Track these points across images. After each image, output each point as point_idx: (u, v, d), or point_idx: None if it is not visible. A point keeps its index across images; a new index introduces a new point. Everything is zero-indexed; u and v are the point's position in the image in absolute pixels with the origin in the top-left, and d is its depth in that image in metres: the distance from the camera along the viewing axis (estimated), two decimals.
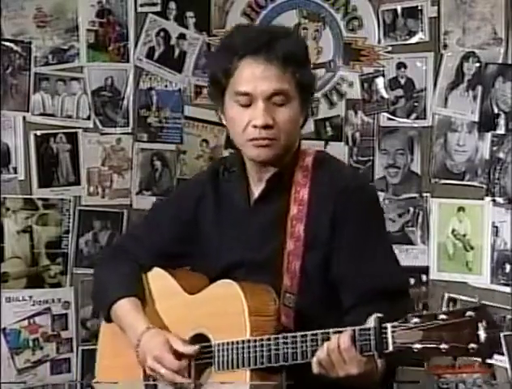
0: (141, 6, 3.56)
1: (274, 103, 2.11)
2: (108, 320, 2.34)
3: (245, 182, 2.25)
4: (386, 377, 2.02)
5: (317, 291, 2.13)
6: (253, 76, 2.11)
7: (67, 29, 3.50)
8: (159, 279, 2.34)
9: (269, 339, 2.04)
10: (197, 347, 2.15)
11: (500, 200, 3.20)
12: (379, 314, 1.89)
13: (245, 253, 2.20)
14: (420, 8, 3.32)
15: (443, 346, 1.80)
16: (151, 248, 2.36)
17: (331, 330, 1.96)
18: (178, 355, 2.16)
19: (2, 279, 3.38)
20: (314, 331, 1.99)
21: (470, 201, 3.25)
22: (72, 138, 3.51)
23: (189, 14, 3.57)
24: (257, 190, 2.24)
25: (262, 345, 2.04)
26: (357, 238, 2.12)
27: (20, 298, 3.42)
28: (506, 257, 3.18)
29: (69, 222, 3.49)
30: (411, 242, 3.34)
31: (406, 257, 3.33)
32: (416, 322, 1.83)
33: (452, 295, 3.22)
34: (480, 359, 1.81)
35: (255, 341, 2.05)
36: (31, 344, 3.43)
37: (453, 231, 3.27)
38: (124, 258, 2.37)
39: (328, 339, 1.95)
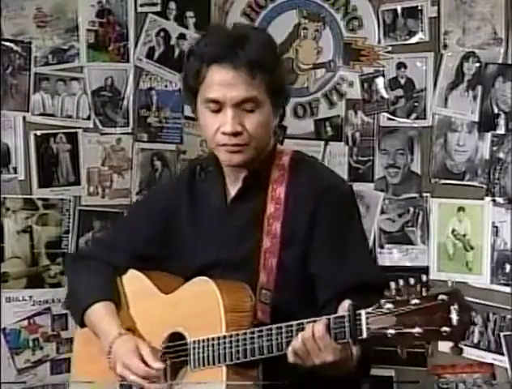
0: (141, 6, 3.56)
1: (243, 109, 2.12)
2: (82, 326, 2.34)
3: (222, 182, 2.26)
4: (362, 363, 2.03)
5: (294, 287, 2.15)
6: (222, 83, 2.11)
7: (67, 29, 3.49)
8: (134, 281, 2.34)
9: (244, 334, 2.05)
10: (162, 365, 2.14)
11: (500, 200, 3.20)
12: (353, 302, 1.90)
13: (221, 252, 2.21)
14: (420, 8, 3.32)
15: (416, 330, 1.82)
16: (126, 251, 2.36)
17: (305, 320, 1.97)
18: (146, 361, 2.16)
19: (2, 279, 3.38)
20: (289, 323, 2.00)
21: (470, 201, 3.25)
22: (72, 138, 3.51)
23: (189, 14, 3.57)
24: (233, 190, 2.25)
25: (237, 340, 2.05)
26: (335, 236, 2.15)
27: (20, 298, 3.42)
28: (506, 257, 3.18)
29: (69, 222, 3.49)
30: (411, 242, 3.34)
31: (406, 257, 3.33)
32: (389, 308, 1.85)
33: None
34: (452, 342, 1.82)
35: (230, 336, 2.06)
36: (31, 344, 3.43)
37: (453, 231, 3.27)
38: (96, 263, 2.37)
39: (303, 330, 1.96)
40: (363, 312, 1.88)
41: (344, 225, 2.16)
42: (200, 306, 2.14)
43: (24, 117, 3.45)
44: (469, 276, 3.22)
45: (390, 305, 1.84)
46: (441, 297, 1.81)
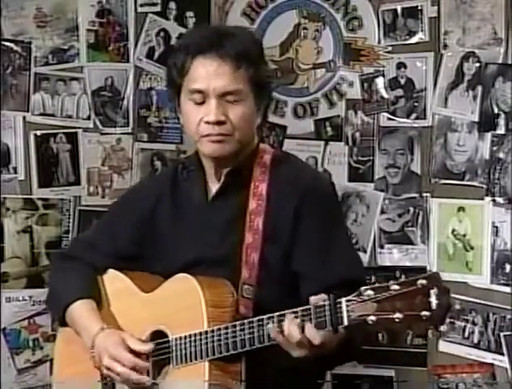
0: (141, 6, 3.56)
1: (227, 101, 2.15)
2: (63, 324, 2.34)
3: (203, 180, 2.28)
4: (349, 347, 2.04)
5: (276, 282, 2.16)
6: (207, 74, 2.14)
7: (67, 29, 3.49)
8: (114, 281, 2.35)
9: (226, 328, 2.06)
10: (152, 345, 2.16)
11: (500, 200, 3.20)
12: (334, 292, 1.91)
13: (204, 249, 2.22)
14: (420, 8, 3.32)
15: (397, 315, 1.82)
16: (106, 251, 2.37)
17: (287, 311, 1.98)
18: (134, 353, 2.17)
19: (2, 279, 3.38)
20: (270, 315, 2.01)
21: (470, 201, 3.25)
22: (72, 138, 3.51)
23: (189, 14, 3.57)
24: (214, 187, 2.27)
25: (219, 334, 2.06)
26: (318, 232, 2.16)
27: (20, 298, 3.42)
28: (506, 257, 3.18)
29: (69, 222, 3.49)
30: (411, 242, 3.34)
31: (406, 257, 3.33)
32: (369, 295, 1.86)
33: (452, 295, 3.21)
34: (432, 326, 1.83)
35: (212, 332, 2.07)
36: (31, 344, 3.43)
37: (453, 231, 3.27)
38: (77, 263, 2.37)
39: (284, 321, 1.97)
40: (343, 300, 1.89)
41: (327, 222, 2.18)
42: (181, 303, 2.14)
43: (24, 117, 3.45)
44: (469, 276, 3.22)
45: (370, 292, 1.86)
46: (420, 281, 1.82)
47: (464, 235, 3.26)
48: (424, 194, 3.32)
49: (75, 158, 3.51)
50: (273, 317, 2.00)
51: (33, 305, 3.43)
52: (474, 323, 3.20)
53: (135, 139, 3.58)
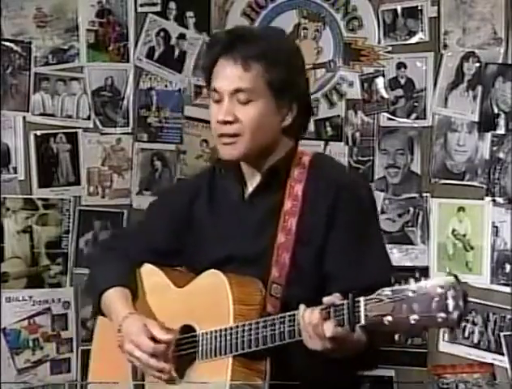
0: (141, 6, 3.56)
1: (238, 100, 2.16)
2: (100, 312, 2.37)
3: (240, 178, 2.28)
4: (369, 353, 2.05)
5: (305, 283, 2.15)
6: (222, 74, 2.19)
7: (67, 29, 3.50)
8: (150, 275, 2.37)
9: (250, 324, 2.06)
10: (172, 335, 2.18)
11: (500, 200, 3.20)
12: (353, 291, 1.92)
13: (237, 247, 2.22)
14: (420, 8, 3.32)
15: (413, 317, 1.82)
16: (144, 245, 2.39)
17: (309, 309, 1.98)
18: (155, 340, 2.18)
19: (2, 279, 3.38)
20: (291, 312, 2.02)
21: (470, 201, 3.25)
22: (72, 138, 3.51)
23: (189, 14, 3.57)
24: (251, 186, 2.27)
25: (242, 331, 2.07)
26: (352, 236, 2.16)
27: (20, 298, 3.42)
28: (506, 257, 3.18)
29: (69, 222, 3.49)
30: (411, 242, 3.34)
31: (406, 257, 3.33)
32: (387, 295, 1.86)
33: None
34: (448, 328, 1.83)
35: (237, 327, 2.08)
36: (31, 344, 3.43)
37: (453, 231, 3.27)
38: (116, 254, 2.40)
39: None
40: (362, 299, 1.89)
41: (361, 225, 2.17)
42: (210, 299, 2.16)
43: (24, 117, 3.45)
44: (469, 276, 3.22)
45: (388, 293, 1.86)
46: (438, 283, 1.82)
47: (464, 235, 3.26)
48: (424, 194, 3.33)
49: (75, 158, 3.51)
50: (294, 314, 2.01)
51: (33, 305, 3.43)
52: (474, 323, 3.20)
53: (135, 139, 3.59)
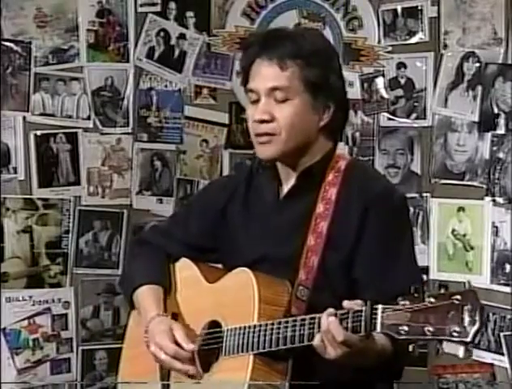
0: (141, 6, 3.56)
1: (275, 99, 2.17)
2: (133, 306, 2.40)
3: (277, 179, 2.28)
4: (394, 363, 2.07)
5: (333, 288, 2.15)
6: (259, 74, 2.19)
7: (67, 29, 3.50)
8: (184, 269, 2.39)
9: (272, 324, 2.06)
10: (194, 346, 2.18)
11: (500, 200, 3.20)
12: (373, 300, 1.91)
13: (269, 248, 2.23)
14: (420, 8, 3.32)
15: (428, 328, 1.81)
16: (180, 240, 2.41)
17: (325, 313, 1.97)
18: (178, 342, 2.20)
19: (2, 279, 3.38)
20: (313, 315, 2.01)
21: (470, 201, 3.25)
22: (72, 138, 3.52)
23: (189, 14, 3.57)
24: (286, 187, 2.27)
25: (265, 330, 2.07)
26: (383, 243, 2.15)
27: (20, 298, 3.42)
28: (506, 257, 3.18)
29: (69, 222, 3.50)
30: None
31: None
32: (404, 305, 1.85)
33: None
34: (462, 343, 1.82)
35: (260, 326, 2.08)
36: (31, 344, 3.43)
37: (453, 231, 3.27)
38: (151, 249, 2.42)
39: None
40: (380, 307, 1.89)
41: (392, 233, 2.16)
42: (237, 296, 2.17)
43: (24, 117, 3.45)
44: (469, 276, 3.22)
45: (405, 302, 1.85)
46: (455, 296, 1.81)
47: (464, 235, 3.26)
48: (424, 194, 3.33)
49: (75, 158, 3.52)
50: (315, 317, 2.00)
51: (33, 305, 3.43)
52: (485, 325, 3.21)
53: (135, 139, 3.59)
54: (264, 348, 2.07)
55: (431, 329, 1.81)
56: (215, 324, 2.21)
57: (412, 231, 2.28)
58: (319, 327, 1.98)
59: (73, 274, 3.50)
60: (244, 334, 2.11)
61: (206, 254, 2.40)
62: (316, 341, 1.97)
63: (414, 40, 3.34)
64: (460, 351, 1.84)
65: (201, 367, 2.19)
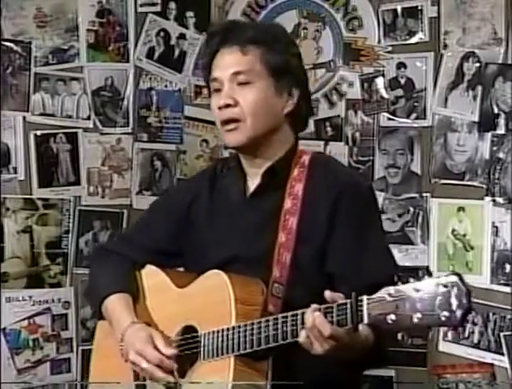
0: (141, 6, 3.56)
1: (238, 83, 2.19)
2: (101, 317, 2.37)
3: (242, 178, 2.28)
4: (377, 351, 2.05)
5: (307, 283, 2.15)
6: (221, 63, 2.22)
7: (67, 29, 3.50)
8: (151, 276, 2.36)
9: (252, 324, 2.06)
10: (175, 350, 2.17)
11: (500, 200, 3.20)
12: (357, 291, 1.91)
13: (238, 248, 2.22)
14: (420, 8, 3.32)
15: (416, 316, 1.82)
16: (144, 246, 2.39)
17: (309, 309, 1.97)
18: (159, 349, 2.18)
19: (2, 279, 3.38)
20: (294, 312, 2.01)
21: (470, 201, 3.25)
22: (72, 138, 3.51)
23: (189, 14, 3.57)
24: (252, 185, 2.27)
25: (245, 330, 2.06)
26: (354, 235, 2.16)
27: (20, 298, 3.42)
28: (506, 257, 3.18)
29: (69, 222, 3.49)
30: (411, 242, 3.34)
31: (406, 257, 3.33)
32: (390, 294, 1.85)
33: None
34: (451, 327, 1.82)
35: (239, 327, 2.07)
36: (31, 344, 3.43)
37: (453, 231, 3.27)
38: (116, 258, 2.40)
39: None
40: (365, 298, 1.89)
41: (362, 224, 2.17)
42: (211, 299, 2.15)
43: (24, 117, 3.45)
44: (469, 276, 3.21)
45: (391, 291, 1.86)
46: (441, 282, 1.82)
47: (464, 235, 3.26)
48: (424, 194, 3.32)
49: (75, 158, 3.51)
50: (297, 314, 2.00)
51: (33, 305, 3.43)
52: (474, 323, 3.20)
53: (135, 139, 3.59)
54: (246, 349, 2.06)
55: (419, 316, 1.82)
56: (189, 329, 2.19)
57: (381, 220, 2.27)
58: (302, 323, 1.97)
59: (73, 274, 3.50)
60: (223, 336, 2.09)
61: (171, 259, 2.37)
62: (302, 338, 1.96)
63: (414, 40, 3.34)
64: (449, 334, 1.85)
65: (178, 373, 2.17)
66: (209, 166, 2.50)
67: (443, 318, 1.80)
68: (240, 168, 2.28)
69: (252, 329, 2.06)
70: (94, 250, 2.72)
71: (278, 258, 2.16)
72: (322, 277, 2.15)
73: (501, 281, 3.19)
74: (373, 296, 1.88)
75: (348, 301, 1.91)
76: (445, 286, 1.81)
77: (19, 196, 3.44)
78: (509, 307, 3.15)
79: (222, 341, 2.10)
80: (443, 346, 3.26)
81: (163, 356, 2.16)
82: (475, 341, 3.21)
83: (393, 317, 1.84)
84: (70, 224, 3.50)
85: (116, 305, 2.31)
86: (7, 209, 3.41)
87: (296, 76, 2.24)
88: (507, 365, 3.16)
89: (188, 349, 2.18)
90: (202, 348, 2.14)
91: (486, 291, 3.20)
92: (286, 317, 2.02)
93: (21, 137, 3.44)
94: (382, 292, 1.87)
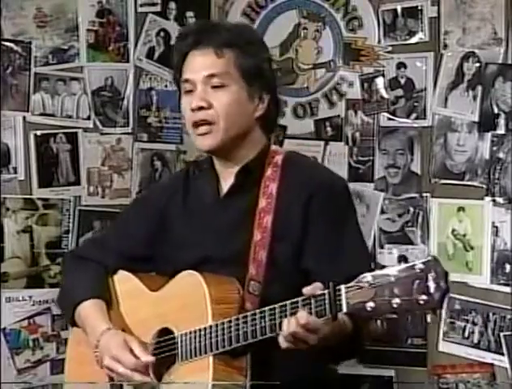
0: (141, 6, 3.56)
1: (212, 86, 2.20)
2: (73, 324, 2.36)
3: (215, 179, 2.30)
4: (355, 339, 2.08)
5: (284, 280, 2.16)
6: (194, 64, 2.23)
7: (67, 29, 3.50)
8: (124, 282, 2.37)
9: (230, 321, 2.07)
10: (152, 358, 2.16)
11: (500, 200, 3.20)
12: (334, 280, 1.92)
13: (214, 248, 2.23)
14: (420, 8, 3.32)
15: (395, 301, 1.83)
16: (117, 252, 2.39)
17: (288, 302, 1.99)
18: (136, 354, 2.18)
19: (2, 279, 3.38)
20: (272, 306, 2.02)
21: (470, 201, 3.25)
22: (72, 138, 3.51)
23: (189, 14, 3.57)
24: (226, 186, 2.28)
25: (223, 328, 2.07)
26: (329, 231, 2.18)
27: (20, 298, 3.42)
28: (506, 257, 3.18)
29: (69, 222, 3.49)
30: (411, 242, 3.34)
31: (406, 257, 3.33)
32: (368, 281, 1.87)
33: (452, 295, 3.22)
34: (430, 310, 1.83)
35: (216, 326, 2.08)
36: (31, 344, 3.43)
37: (453, 231, 3.27)
38: (88, 264, 2.39)
39: (286, 311, 1.98)
40: (342, 287, 1.90)
41: (337, 219, 2.20)
42: (187, 300, 2.16)
43: (24, 117, 3.45)
44: (469, 276, 3.22)
45: (369, 279, 1.87)
46: (418, 266, 1.83)
47: (464, 235, 3.26)
48: (424, 194, 3.32)
49: (75, 158, 3.51)
50: (275, 308, 2.01)
51: (33, 305, 3.42)
52: (474, 323, 3.20)
53: (135, 139, 3.58)
54: (224, 347, 2.06)
55: (398, 301, 1.83)
56: (165, 332, 2.19)
57: (357, 215, 2.29)
58: (280, 317, 1.98)
59: None
60: (200, 336, 2.10)
61: (144, 263, 2.37)
62: (284, 332, 1.96)
63: (414, 40, 3.34)
64: (428, 317, 1.87)
65: (155, 377, 2.17)
66: (181, 169, 2.51)
67: (421, 302, 1.81)
68: (213, 170, 2.30)
69: (230, 326, 2.06)
70: (65, 256, 2.73)
71: (254, 257, 2.17)
72: (298, 274, 2.17)
73: (501, 281, 3.18)
74: (351, 284, 1.89)
75: (326, 291, 1.92)
76: (422, 270, 1.82)
77: (19, 196, 3.43)
78: (509, 307, 3.15)
79: (200, 341, 2.10)
80: (443, 346, 3.26)
81: (138, 360, 2.16)
82: (475, 341, 3.21)
83: (372, 304, 1.85)
84: (70, 224, 3.49)
85: (90, 311, 2.30)
86: (7, 209, 3.41)
87: (268, 81, 2.27)
88: (507, 365, 3.16)
89: (164, 352, 2.18)
90: (179, 350, 2.15)
91: (486, 291, 3.20)
92: (264, 312, 2.03)
93: (21, 137, 3.44)
94: (360, 280, 1.88)
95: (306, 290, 1.96)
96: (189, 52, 2.24)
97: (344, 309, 1.90)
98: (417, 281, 1.81)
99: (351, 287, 1.88)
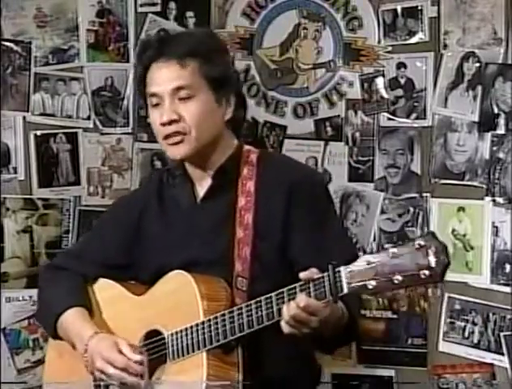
0: (141, 6, 3.56)
1: (180, 98, 2.20)
2: (55, 336, 2.34)
3: (190, 184, 2.31)
4: (350, 326, 2.10)
5: (270, 274, 2.18)
6: (159, 77, 2.22)
7: (67, 29, 3.50)
8: (105, 289, 2.37)
9: (223, 315, 2.08)
10: (143, 357, 2.16)
11: (500, 200, 3.20)
12: (333, 262, 1.93)
13: (196, 252, 2.24)
14: (420, 8, 3.32)
15: (396, 277, 1.84)
16: (95, 261, 2.39)
17: (285, 289, 2.00)
18: (126, 355, 2.18)
19: (2, 279, 3.38)
20: (268, 295, 2.03)
21: (470, 201, 3.25)
22: (72, 138, 3.51)
23: (189, 14, 3.57)
24: (202, 189, 2.30)
25: (216, 322, 2.08)
26: (310, 221, 2.20)
27: (20, 298, 3.42)
28: (506, 257, 3.18)
29: (69, 222, 3.49)
30: None
31: None
32: (368, 261, 1.87)
33: (452, 295, 3.22)
34: (432, 284, 1.84)
35: (209, 320, 2.09)
36: (31, 344, 3.43)
37: (453, 231, 3.27)
38: (65, 274, 2.39)
39: (283, 298, 2.00)
40: (342, 269, 1.91)
41: (318, 210, 2.23)
42: (177, 299, 2.17)
43: (24, 117, 3.45)
44: (469, 276, 3.22)
45: (368, 258, 1.87)
46: (417, 241, 1.86)
47: (464, 235, 3.25)
48: (424, 194, 3.32)
49: (75, 158, 3.51)
50: (271, 297, 2.02)
51: (33, 305, 3.42)
52: (474, 323, 3.20)
53: (135, 139, 3.58)
54: (218, 341, 2.07)
55: (399, 277, 1.84)
56: (152, 334, 2.20)
57: (335, 207, 2.34)
58: (278, 304, 2.00)
59: None
60: (192, 333, 2.10)
61: (123, 272, 2.37)
62: (285, 317, 1.97)
63: (414, 40, 3.34)
64: (430, 292, 1.87)
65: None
66: (153, 177, 2.50)
67: (423, 277, 1.83)
68: (186, 176, 2.30)
69: (224, 320, 2.07)
70: (40, 269, 2.69)
71: (238, 253, 2.19)
72: (284, 268, 2.19)
73: (501, 281, 3.18)
74: (351, 265, 1.90)
75: (325, 273, 1.93)
76: (422, 246, 1.83)
77: (19, 196, 3.43)
78: (509, 307, 3.15)
79: (192, 338, 2.10)
80: (443, 346, 3.26)
81: (129, 360, 2.16)
82: (475, 341, 3.21)
83: (373, 282, 1.86)
84: (70, 224, 3.49)
85: (73, 319, 2.30)
86: (7, 209, 3.41)
87: (233, 84, 2.28)
88: (507, 365, 3.16)
89: (153, 353, 2.18)
90: (169, 349, 2.15)
91: (486, 291, 3.20)
92: (260, 301, 2.04)
93: (21, 137, 3.44)
94: (360, 261, 1.88)
95: (303, 275, 1.97)
96: (151, 63, 2.24)
97: (345, 289, 1.90)
98: (417, 256, 1.83)
99: (351, 267, 1.89)
